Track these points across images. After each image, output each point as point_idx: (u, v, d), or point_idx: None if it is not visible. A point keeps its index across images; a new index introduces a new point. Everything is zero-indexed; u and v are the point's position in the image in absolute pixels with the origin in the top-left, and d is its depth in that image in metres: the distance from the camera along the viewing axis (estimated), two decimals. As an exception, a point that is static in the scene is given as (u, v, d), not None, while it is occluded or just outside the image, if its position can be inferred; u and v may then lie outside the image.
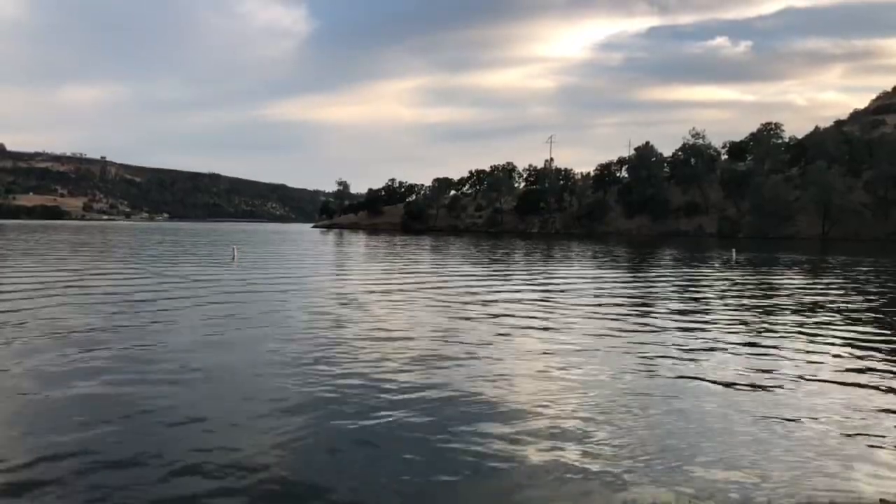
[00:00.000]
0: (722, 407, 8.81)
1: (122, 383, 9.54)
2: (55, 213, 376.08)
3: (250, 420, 8.02)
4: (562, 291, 23.36)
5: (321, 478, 6.42)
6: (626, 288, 25.08)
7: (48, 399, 8.77)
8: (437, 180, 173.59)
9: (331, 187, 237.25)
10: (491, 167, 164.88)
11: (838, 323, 16.41)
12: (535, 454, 7.01)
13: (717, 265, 39.09)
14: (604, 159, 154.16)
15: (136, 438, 7.31)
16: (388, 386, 9.61)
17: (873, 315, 18.18)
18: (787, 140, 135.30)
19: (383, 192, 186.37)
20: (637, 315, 17.47)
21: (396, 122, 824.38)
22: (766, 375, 10.64)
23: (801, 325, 16.04)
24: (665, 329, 15.13)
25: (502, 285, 25.79)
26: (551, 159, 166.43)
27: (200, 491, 6.07)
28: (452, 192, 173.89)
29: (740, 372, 10.86)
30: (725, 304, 20.13)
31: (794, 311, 18.56)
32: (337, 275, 31.66)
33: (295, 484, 6.28)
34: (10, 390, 9.20)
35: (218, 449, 7.04)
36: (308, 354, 11.69)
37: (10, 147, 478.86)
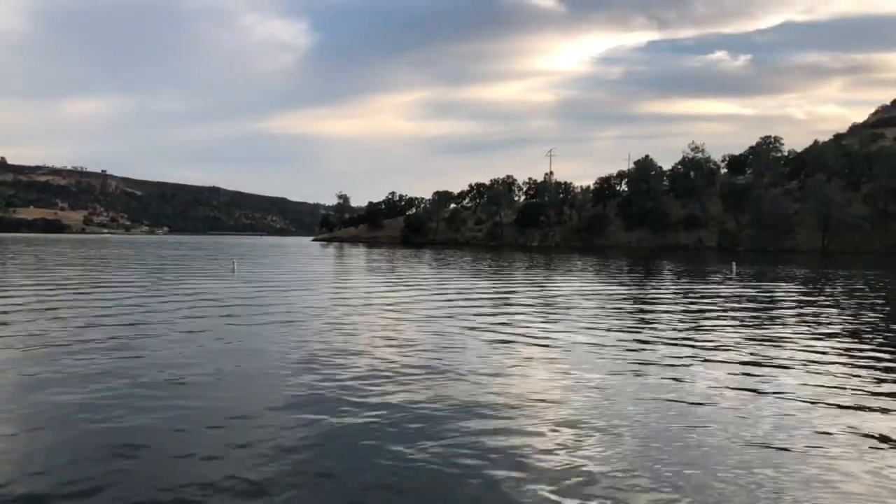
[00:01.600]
0: (717, 423, 8.79)
1: (117, 392, 9.53)
2: (55, 226, 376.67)
3: (248, 427, 7.99)
4: (562, 304, 23.34)
5: (322, 484, 6.40)
6: (625, 302, 25.05)
7: (60, 405, 8.76)
8: (437, 194, 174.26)
9: (331, 200, 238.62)
10: (491, 180, 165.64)
11: (837, 337, 16.38)
12: (532, 464, 6.98)
13: (716, 279, 39.06)
14: (603, 172, 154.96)
15: (137, 449, 7.30)
16: (387, 395, 9.58)
17: (873, 329, 18.14)
18: (786, 153, 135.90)
19: (383, 206, 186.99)
20: (636, 329, 17.45)
21: (396, 135, 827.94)
22: (764, 390, 10.60)
23: (800, 339, 16.00)
24: (664, 343, 15.09)
25: (503, 297, 25.76)
26: (551, 173, 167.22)
27: (198, 496, 6.08)
28: (452, 206, 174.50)
29: (735, 387, 10.81)
30: (724, 319, 20.09)
31: (793, 326, 18.51)
32: (337, 287, 31.62)
33: (296, 489, 6.26)
34: (23, 395, 9.21)
35: (216, 456, 7.04)
36: (305, 362, 11.67)
37: (10, 160, 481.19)
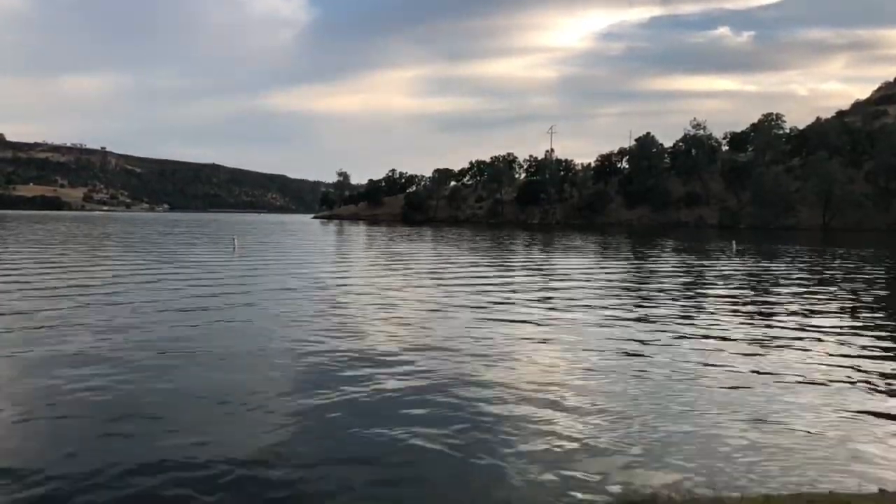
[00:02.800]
0: (714, 396, 8.85)
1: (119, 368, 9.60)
2: (55, 203, 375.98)
3: (248, 411, 8.06)
4: (563, 281, 23.39)
5: (320, 479, 6.46)
6: (626, 279, 25.08)
7: (59, 379, 8.83)
8: (437, 171, 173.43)
9: (331, 178, 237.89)
10: (491, 158, 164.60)
11: (835, 314, 16.43)
12: (533, 451, 7.04)
13: (716, 256, 39.07)
14: (605, 150, 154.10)
15: (128, 425, 7.36)
16: (385, 374, 9.64)
17: (871, 306, 18.20)
18: (788, 131, 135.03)
19: (384, 183, 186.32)
20: (635, 307, 17.51)
21: (397, 112, 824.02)
22: (761, 369, 10.66)
23: (797, 316, 16.07)
24: (663, 322, 15.15)
25: (504, 274, 25.80)
26: (552, 150, 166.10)
27: (192, 486, 6.14)
28: (453, 183, 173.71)
29: (733, 364, 10.88)
30: (722, 296, 20.14)
31: (792, 302, 18.56)
32: (337, 264, 31.67)
33: (292, 483, 6.32)
34: (23, 370, 9.28)
35: (213, 441, 7.10)
36: (306, 344, 11.74)
37: (10, 137, 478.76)
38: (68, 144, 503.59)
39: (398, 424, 7.62)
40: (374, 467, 6.48)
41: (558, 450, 6.90)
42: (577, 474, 6.30)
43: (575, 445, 7.03)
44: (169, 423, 7.61)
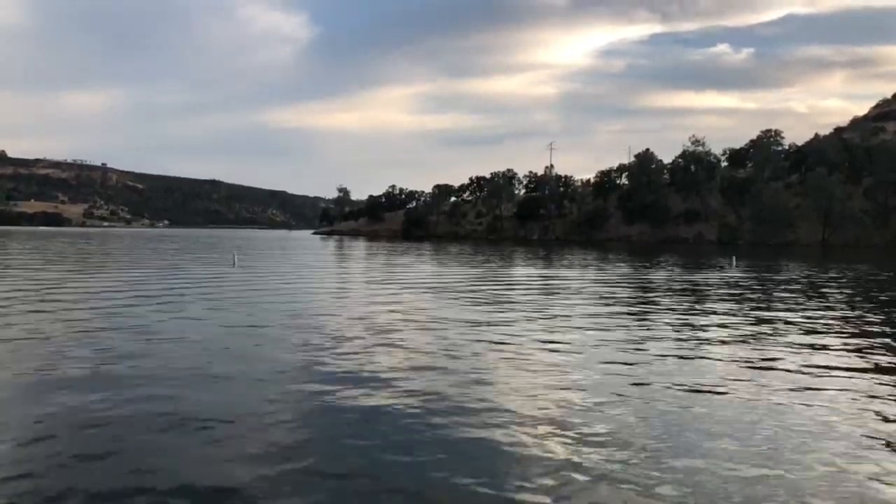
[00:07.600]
0: (717, 413, 8.83)
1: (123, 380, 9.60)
2: (56, 219, 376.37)
3: (249, 418, 8.05)
4: (561, 296, 23.39)
5: (325, 478, 6.45)
6: (625, 295, 25.07)
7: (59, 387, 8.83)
8: (437, 187, 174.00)
9: (331, 194, 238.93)
10: (491, 174, 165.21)
11: (835, 331, 16.42)
12: (529, 457, 7.02)
13: (717, 272, 39.07)
14: (604, 166, 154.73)
15: (132, 436, 7.35)
16: (387, 385, 9.62)
17: (870, 324, 18.18)
18: (786, 147, 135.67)
19: (383, 199, 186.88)
20: (635, 322, 17.50)
21: (397, 128, 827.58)
22: (763, 382, 10.64)
23: (799, 333, 16.06)
24: (664, 337, 15.14)
25: (506, 289, 25.79)
26: (552, 166, 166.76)
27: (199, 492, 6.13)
28: (453, 199, 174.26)
29: (733, 377, 10.87)
30: (723, 312, 20.12)
31: (793, 320, 18.54)
32: (335, 278, 31.66)
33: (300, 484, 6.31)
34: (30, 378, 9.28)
35: (213, 446, 7.08)
36: (305, 351, 11.72)
37: (11, 153, 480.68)
38: (69, 161, 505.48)
39: (390, 443, 7.60)
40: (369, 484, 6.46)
41: (551, 475, 6.88)
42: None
43: (568, 472, 7.00)
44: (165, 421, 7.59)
